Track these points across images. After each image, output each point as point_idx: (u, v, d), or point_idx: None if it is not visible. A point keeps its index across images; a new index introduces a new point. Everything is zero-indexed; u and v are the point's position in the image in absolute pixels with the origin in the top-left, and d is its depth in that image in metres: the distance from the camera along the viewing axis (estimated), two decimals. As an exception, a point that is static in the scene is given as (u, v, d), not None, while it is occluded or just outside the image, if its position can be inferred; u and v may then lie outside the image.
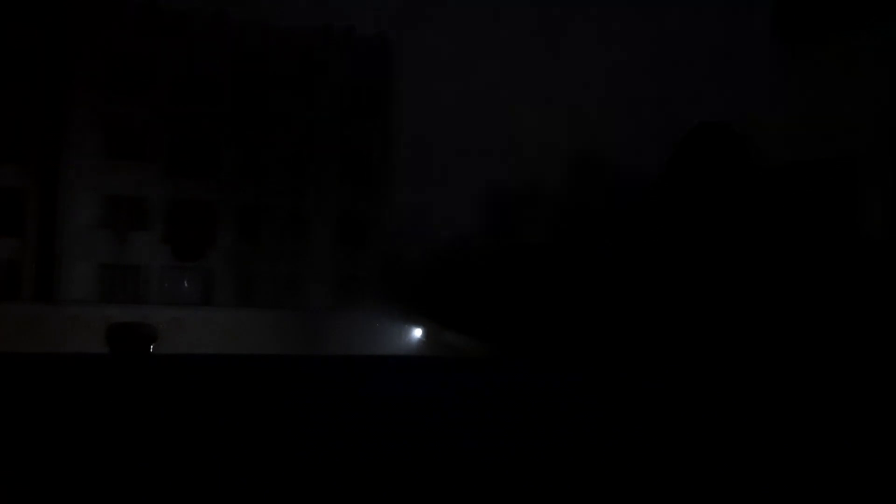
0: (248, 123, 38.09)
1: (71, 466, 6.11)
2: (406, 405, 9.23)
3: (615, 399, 10.43)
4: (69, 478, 5.81)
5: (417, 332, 37.29)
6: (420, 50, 38.37)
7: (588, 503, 5.63)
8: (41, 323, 32.63)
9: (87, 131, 36.05)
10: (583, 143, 37.15)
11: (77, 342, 29.04)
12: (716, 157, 34.97)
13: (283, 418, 8.25)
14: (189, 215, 38.20)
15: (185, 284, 37.54)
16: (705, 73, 37.96)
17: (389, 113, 40.36)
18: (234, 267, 38.29)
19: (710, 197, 34.03)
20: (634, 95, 36.95)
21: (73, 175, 35.93)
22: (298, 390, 10.39)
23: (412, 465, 6.41)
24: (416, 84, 39.26)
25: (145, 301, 36.48)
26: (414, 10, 38.68)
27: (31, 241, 36.30)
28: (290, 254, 38.69)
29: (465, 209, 38.82)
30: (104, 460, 6.30)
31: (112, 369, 12.05)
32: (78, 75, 35.94)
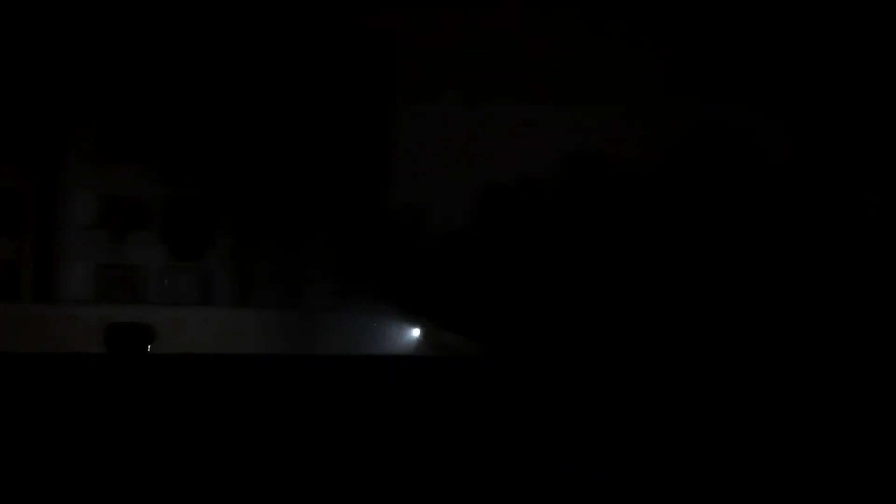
0: (246, 122, 37.98)
1: (69, 465, 6.07)
2: (405, 405, 9.20)
3: (614, 403, 10.40)
4: (68, 476, 5.78)
5: (417, 332, 37.20)
6: (420, 48, 38.35)
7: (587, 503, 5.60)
8: (39, 323, 32.55)
9: (85, 131, 35.95)
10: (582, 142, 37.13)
11: (75, 342, 28.97)
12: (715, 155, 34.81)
13: (282, 418, 8.22)
14: (187, 215, 38.08)
15: (184, 284, 37.45)
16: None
17: (389, 112, 40.25)
18: (233, 267, 38.18)
19: (709, 195, 33.85)
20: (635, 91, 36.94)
21: (71, 175, 35.83)
22: (298, 390, 10.36)
23: (411, 464, 6.37)
24: (415, 83, 39.19)
25: (143, 301, 36.39)
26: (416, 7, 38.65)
27: (29, 241, 36.20)
28: (290, 253, 38.58)
29: (464, 207, 38.74)
30: (103, 459, 6.27)
31: (110, 369, 12.02)
32: (76, 75, 35.83)
